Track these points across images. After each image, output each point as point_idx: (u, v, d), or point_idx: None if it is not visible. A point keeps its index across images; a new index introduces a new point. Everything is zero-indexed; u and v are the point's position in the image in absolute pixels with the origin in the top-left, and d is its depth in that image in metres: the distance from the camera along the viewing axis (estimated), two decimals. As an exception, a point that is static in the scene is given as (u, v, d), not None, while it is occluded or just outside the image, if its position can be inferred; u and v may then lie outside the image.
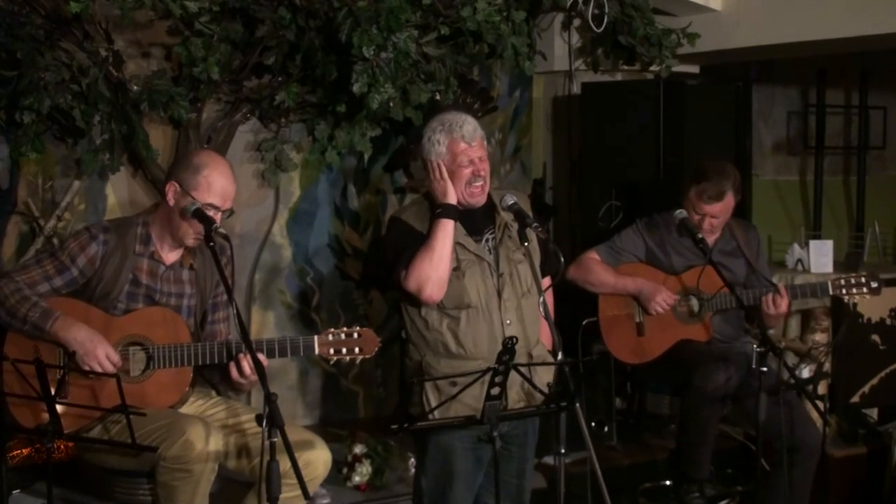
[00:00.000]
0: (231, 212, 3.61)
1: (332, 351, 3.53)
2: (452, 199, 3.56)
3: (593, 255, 4.68)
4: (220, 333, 3.73)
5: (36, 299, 3.46)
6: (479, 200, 3.63)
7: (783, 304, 4.41)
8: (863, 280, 4.42)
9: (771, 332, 5.17)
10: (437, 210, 3.55)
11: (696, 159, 4.97)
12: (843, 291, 4.44)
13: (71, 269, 3.52)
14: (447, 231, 3.52)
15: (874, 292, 4.44)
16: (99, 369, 3.41)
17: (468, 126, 3.59)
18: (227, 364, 3.53)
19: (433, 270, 3.49)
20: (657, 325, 4.59)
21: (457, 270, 3.55)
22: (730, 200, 4.50)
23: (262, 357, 3.39)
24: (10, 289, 3.46)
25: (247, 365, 3.47)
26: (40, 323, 3.43)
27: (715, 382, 4.33)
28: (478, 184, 3.59)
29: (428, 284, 3.50)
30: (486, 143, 3.66)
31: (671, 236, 4.64)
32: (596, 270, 4.63)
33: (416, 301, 3.60)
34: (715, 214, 4.49)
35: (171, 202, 3.55)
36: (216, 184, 3.53)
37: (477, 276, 3.57)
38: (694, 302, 4.58)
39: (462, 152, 3.56)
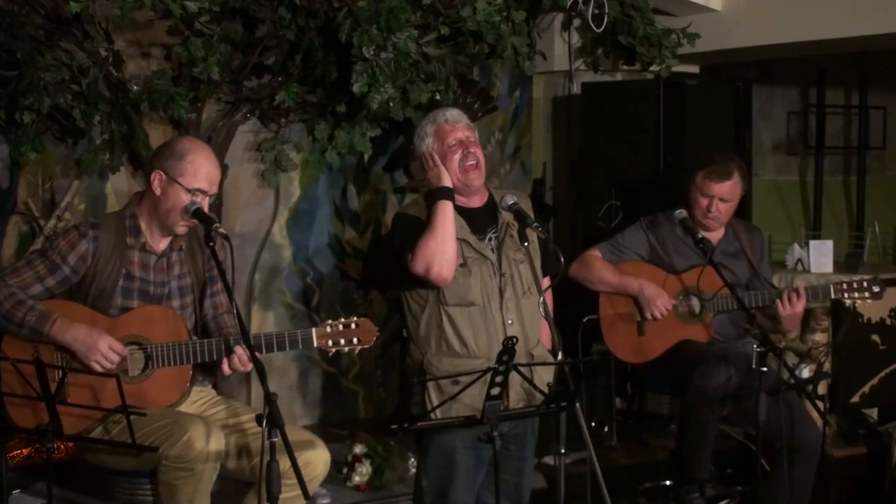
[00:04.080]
0: (217, 196, 3.61)
1: (330, 343, 3.54)
2: (447, 181, 3.59)
3: (595, 253, 4.67)
4: (221, 305, 3.72)
5: (31, 303, 3.45)
6: (476, 179, 3.64)
7: (799, 305, 4.39)
8: (865, 284, 4.43)
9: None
10: (434, 194, 3.58)
11: (697, 159, 4.96)
12: (845, 295, 4.44)
13: (63, 267, 3.51)
14: (447, 211, 3.54)
15: (876, 297, 4.44)
16: (105, 363, 3.40)
17: (451, 111, 3.68)
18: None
19: (438, 247, 3.50)
20: (658, 325, 4.58)
21: (463, 267, 3.56)
22: (737, 182, 4.51)
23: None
24: (4, 293, 3.44)
25: (237, 361, 3.48)
26: (38, 326, 3.42)
27: (715, 382, 4.32)
28: (471, 162, 3.61)
29: (436, 261, 3.49)
30: (474, 130, 3.70)
31: (674, 235, 4.63)
32: (597, 268, 4.63)
33: (420, 297, 3.61)
34: (723, 196, 4.49)
35: (158, 191, 3.54)
36: (202, 168, 3.53)
37: (481, 275, 3.58)
38: (695, 302, 4.57)
39: (448, 134, 3.63)
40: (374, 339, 3.57)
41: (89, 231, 3.54)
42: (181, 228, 3.57)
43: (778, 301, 4.40)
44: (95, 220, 3.62)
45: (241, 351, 3.48)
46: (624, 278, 4.59)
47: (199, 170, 3.52)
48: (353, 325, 3.56)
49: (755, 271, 4.60)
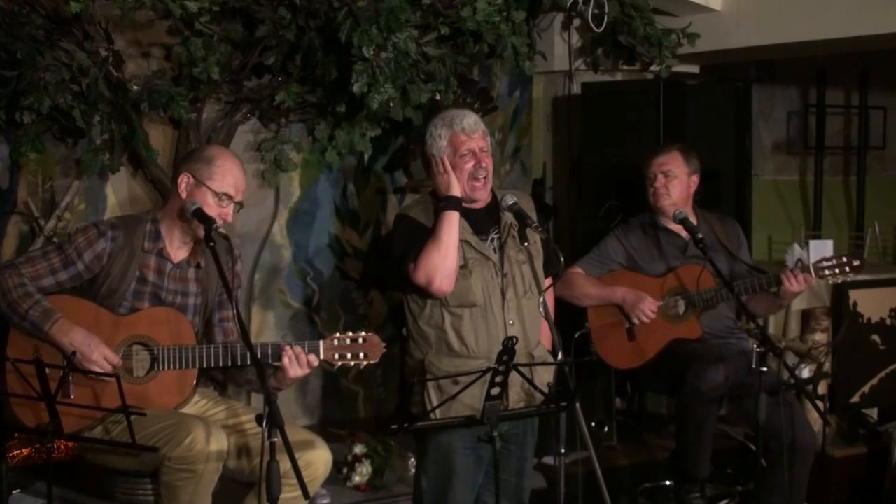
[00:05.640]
0: (241, 205, 3.63)
1: (337, 356, 3.52)
2: (456, 191, 3.57)
3: (576, 270, 4.70)
4: (230, 332, 3.73)
5: (38, 297, 3.46)
6: (482, 195, 3.64)
7: (807, 280, 4.37)
8: (844, 260, 4.42)
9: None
10: (441, 203, 3.56)
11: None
12: (826, 273, 4.43)
13: (77, 263, 3.52)
14: (452, 222, 3.53)
15: (856, 270, 4.42)
16: (98, 370, 3.41)
17: (469, 119, 3.62)
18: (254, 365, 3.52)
19: (441, 261, 3.50)
20: (647, 329, 4.59)
21: (464, 269, 3.56)
22: (676, 157, 4.63)
23: (312, 358, 3.46)
24: (15, 282, 3.46)
25: (295, 361, 3.47)
26: (39, 323, 3.43)
27: (710, 382, 4.32)
28: (480, 177, 3.60)
29: (437, 275, 3.50)
30: (488, 137, 3.67)
31: (651, 237, 4.66)
32: (579, 284, 4.65)
33: (420, 298, 3.61)
34: (663, 168, 4.60)
35: (184, 194, 3.55)
36: (230, 174, 3.57)
37: (482, 276, 3.58)
38: (681, 302, 4.58)
39: (463, 144, 3.59)
40: (381, 355, 3.55)
41: (109, 231, 3.56)
42: (203, 231, 3.57)
43: (785, 279, 4.37)
44: (116, 221, 3.64)
45: (291, 352, 3.45)
46: (606, 290, 4.64)
47: (227, 174, 3.56)
48: (360, 340, 3.54)
49: (735, 260, 4.60)
